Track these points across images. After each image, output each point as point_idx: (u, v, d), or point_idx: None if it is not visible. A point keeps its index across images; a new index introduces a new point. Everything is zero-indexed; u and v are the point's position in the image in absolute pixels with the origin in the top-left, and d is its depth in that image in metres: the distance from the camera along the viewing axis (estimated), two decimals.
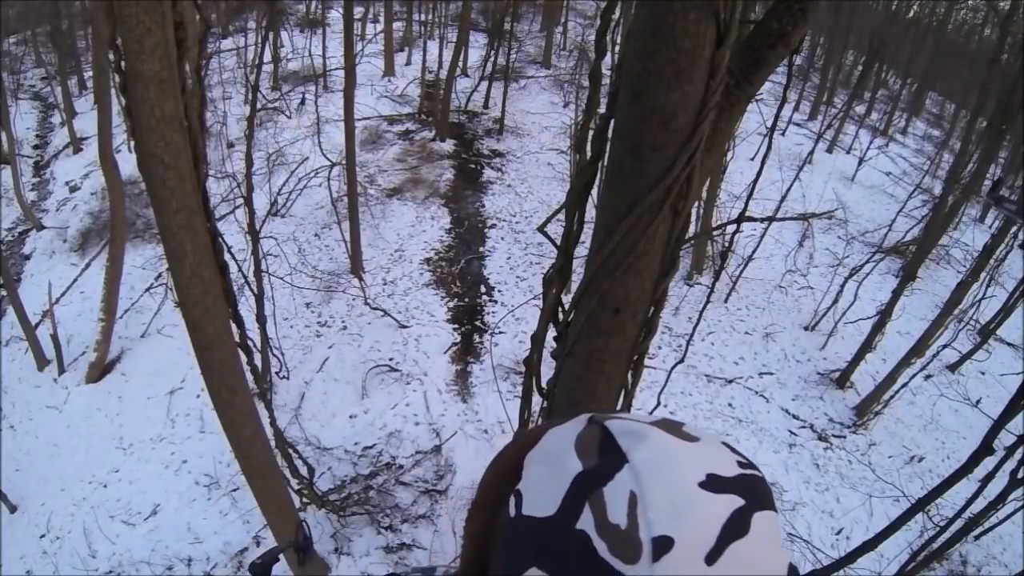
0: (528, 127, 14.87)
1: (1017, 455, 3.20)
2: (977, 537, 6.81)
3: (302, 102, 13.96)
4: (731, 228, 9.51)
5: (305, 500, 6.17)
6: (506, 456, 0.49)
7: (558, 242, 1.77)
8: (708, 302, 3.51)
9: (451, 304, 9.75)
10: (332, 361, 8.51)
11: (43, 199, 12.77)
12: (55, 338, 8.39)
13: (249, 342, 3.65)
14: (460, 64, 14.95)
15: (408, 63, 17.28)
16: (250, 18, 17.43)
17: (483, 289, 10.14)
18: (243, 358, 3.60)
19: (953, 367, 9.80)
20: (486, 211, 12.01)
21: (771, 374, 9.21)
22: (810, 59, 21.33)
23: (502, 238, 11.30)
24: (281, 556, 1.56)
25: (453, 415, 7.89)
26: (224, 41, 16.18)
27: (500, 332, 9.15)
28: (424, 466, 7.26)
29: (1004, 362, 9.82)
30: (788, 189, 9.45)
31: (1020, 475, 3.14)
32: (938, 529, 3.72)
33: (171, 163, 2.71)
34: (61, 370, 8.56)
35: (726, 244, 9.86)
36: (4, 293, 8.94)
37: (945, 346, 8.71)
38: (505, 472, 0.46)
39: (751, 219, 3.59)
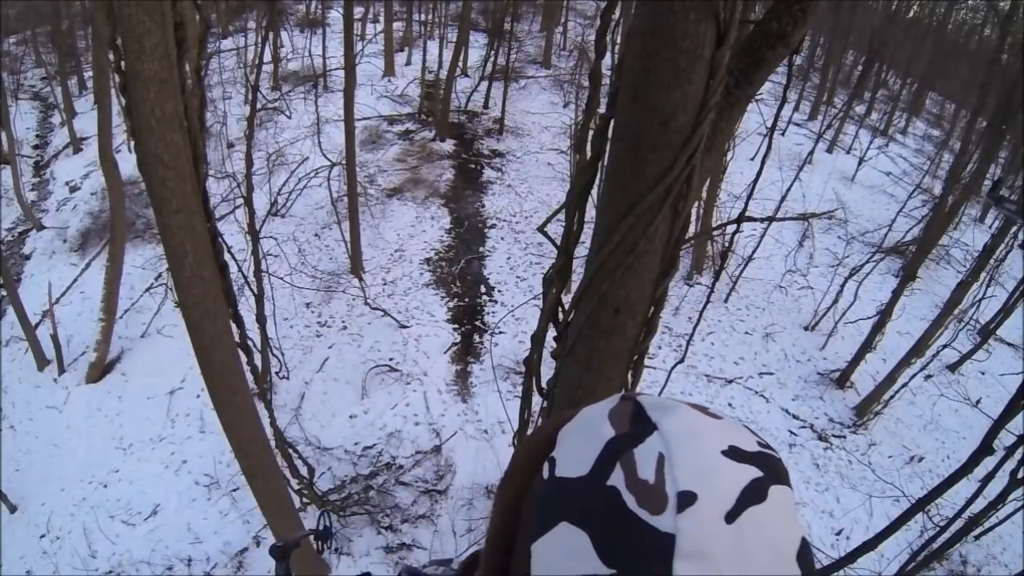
0: (528, 127, 14.87)
1: (1017, 455, 3.20)
2: (977, 537, 6.81)
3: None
4: (731, 228, 9.51)
5: (305, 500, 6.17)
6: (541, 432, 0.51)
7: (558, 242, 1.77)
8: (708, 302, 3.51)
9: (451, 304, 9.75)
10: (332, 361, 8.51)
11: (43, 199, 12.77)
12: (55, 338, 8.39)
13: (249, 342, 3.65)
14: (460, 64, 14.95)
15: (408, 63, 17.27)
16: (250, 18, 17.42)
17: (483, 289, 10.14)
18: (243, 358, 3.60)
19: (953, 367, 9.80)
20: (486, 211, 12.01)
21: (771, 374, 9.21)
22: (810, 59, 21.32)
23: (502, 238, 11.30)
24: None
25: (453, 415, 7.89)
26: (224, 41, 16.18)
27: (500, 332, 9.15)
28: (424, 466, 7.26)
29: (1004, 362, 9.82)
30: (788, 189, 9.44)
31: (1020, 475, 3.14)
32: (938, 529, 3.72)
33: (171, 163, 2.71)
34: (61, 370, 8.56)
35: (726, 244, 9.86)
36: (4, 293, 8.94)
37: (945, 346, 8.72)
38: (539, 445, 0.48)
39: (751, 219, 3.59)
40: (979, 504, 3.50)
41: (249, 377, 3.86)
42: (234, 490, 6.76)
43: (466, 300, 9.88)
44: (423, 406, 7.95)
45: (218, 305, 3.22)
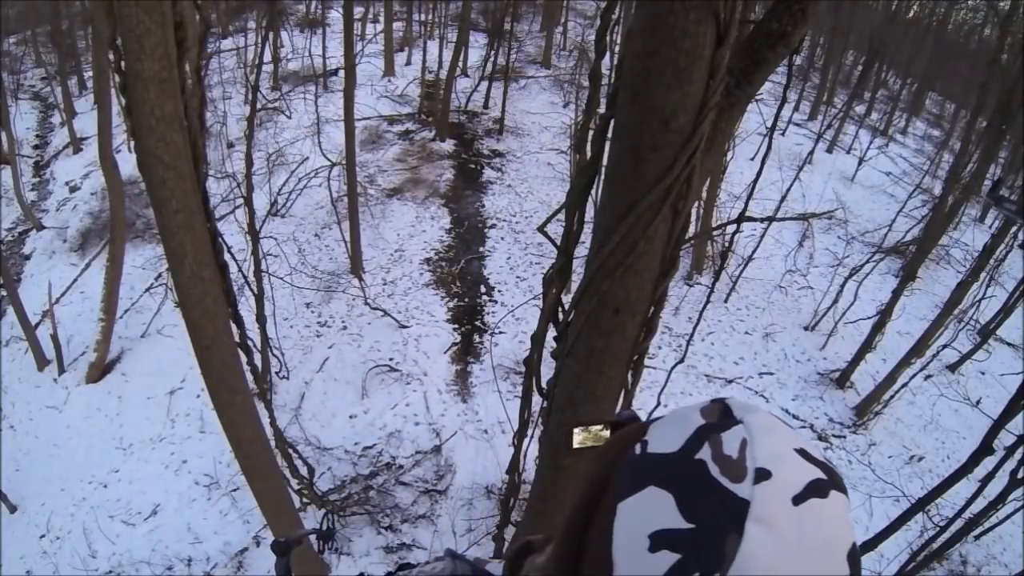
0: (528, 127, 14.86)
1: (1017, 455, 3.21)
2: (977, 537, 6.81)
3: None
4: (731, 228, 9.51)
5: (305, 500, 6.17)
6: (629, 430, 0.55)
7: (558, 242, 1.77)
8: (708, 302, 3.51)
9: (451, 304, 9.75)
10: (332, 361, 8.51)
11: (43, 199, 12.77)
12: (55, 338, 8.39)
13: (249, 342, 3.65)
14: (460, 64, 14.94)
15: (408, 63, 17.27)
16: (250, 18, 17.42)
17: (483, 289, 10.14)
18: (243, 358, 3.60)
19: (953, 367, 9.80)
20: (486, 211, 12.00)
21: (771, 374, 9.21)
22: (810, 59, 21.31)
23: (502, 238, 11.29)
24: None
25: (453, 415, 7.89)
26: (224, 41, 16.18)
27: (500, 332, 9.15)
28: (424, 466, 7.26)
29: (1004, 362, 9.82)
30: (788, 189, 9.44)
31: (1020, 475, 3.15)
32: (938, 529, 3.72)
33: (171, 163, 2.71)
34: (61, 370, 8.56)
35: (726, 244, 9.86)
36: (4, 293, 8.94)
37: (945, 346, 8.71)
38: (630, 434, 0.52)
39: (751, 219, 3.59)
40: (979, 504, 3.50)
41: (249, 377, 3.86)
42: (234, 490, 6.76)
43: (466, 300, 9.88)
44: (423, 406, 7.95)
45: (218, 305, 3.22)
